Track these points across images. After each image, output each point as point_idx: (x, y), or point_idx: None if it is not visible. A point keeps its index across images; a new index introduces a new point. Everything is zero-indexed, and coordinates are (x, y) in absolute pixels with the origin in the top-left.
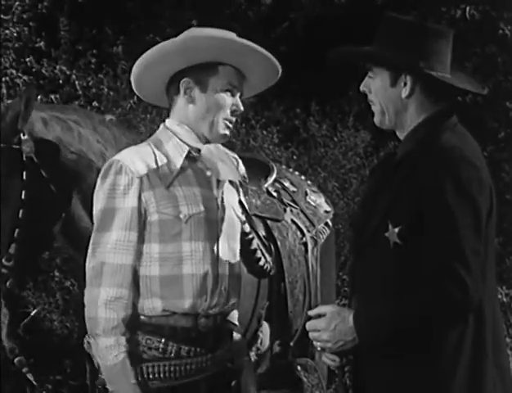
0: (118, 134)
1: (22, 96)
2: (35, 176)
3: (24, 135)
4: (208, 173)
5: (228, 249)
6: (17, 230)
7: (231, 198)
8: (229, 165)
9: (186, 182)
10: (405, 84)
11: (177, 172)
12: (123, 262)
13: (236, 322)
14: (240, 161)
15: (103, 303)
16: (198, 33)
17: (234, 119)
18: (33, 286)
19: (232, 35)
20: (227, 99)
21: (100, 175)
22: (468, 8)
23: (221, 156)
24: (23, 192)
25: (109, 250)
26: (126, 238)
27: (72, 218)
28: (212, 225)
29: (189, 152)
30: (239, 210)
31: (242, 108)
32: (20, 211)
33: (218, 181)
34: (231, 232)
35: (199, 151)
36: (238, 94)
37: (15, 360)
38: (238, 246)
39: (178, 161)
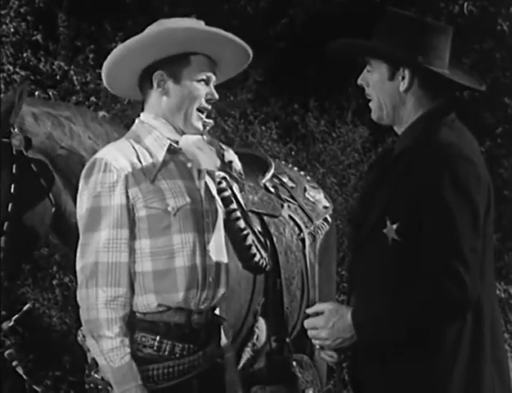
0: (110, 131)
1: (16, 89)
2: (25, 170)
3: (14, 129)
4: (189, 164)
5: (214, 240)
6: (6, 223)
7: (212, 188)
8: (207, 153)
9: (169, 175)
10: (403, 78)
11: (160, 165)
12: (117, 260)
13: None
14: (237, 157)
15: (103, 304)
16: (167, 25)
17: (209, 107)
18: (32, 282)
19: (201, 24)
20: (201, 89)
21: (82, 174)
22: (466, 4)
23: (198, 144)
24: (12, 186)
25: (101, 249)
26: (118, 236)
27: (63, 214)
28: (198, 216)
29: (170, 145)
30: (219, 200)
31: (217, 96)
32: (10, 205)
33: (199, 172)
34: (217, 222)
35: (177, 143)
36: (212, 82)
37: (6, 353)
38: (222, 236)
39: (160, 155)
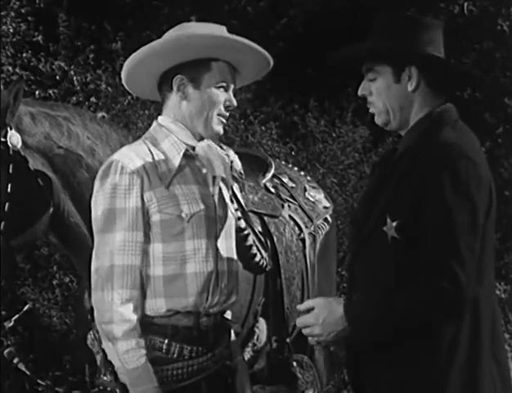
0: (109, 131)
1: (11, 89)
2: (22, 170)
3: (11, 129)
4: (204, 170)
5: (226, 247)
6: (3, 223)
7: (226, 195)
8: (222, 162)
9: (184, 181)
10: (409, 78)
11: (176, 171)
12: (132, 263)
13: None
14: (237, 157)
15: (118, 306)
16: (190, 31)
17: (228, 114)
18: (32, 282)
19: (223, 31)
20: (221, 95)
21: (98, 176)
22: (466, 4)
23: (214, 153)
24: (9, 186)
25: (117, 251)
26: (133, 239)
27: (61, 214)
28: (211, 223)
29: (186, 150)
30: (232, 208)
31: (235, 103)
32: (7, 204)
33: (214, 178)
34: (228, 229)
35: (193, 148)
36: (231, 89)
37: (5, 352)
38: (234, 243)
39: (176, 160)
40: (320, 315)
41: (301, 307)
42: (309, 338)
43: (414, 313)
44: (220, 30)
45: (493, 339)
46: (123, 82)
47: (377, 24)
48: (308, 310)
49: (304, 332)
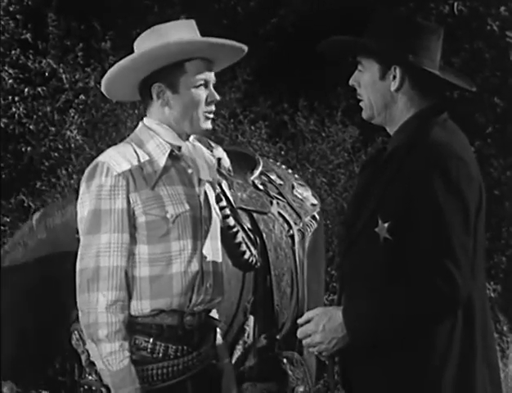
0: None
1: None
2: None
3: None
4: (190, 170)
5: (211, 247)
6: None
7: (210, 196)
8: (208, 164)
9: (169, 182)
10: (394, 77)
11: (161, 172)
12: (118, 264)
13: (217, 317)
14: (225, 154)
15: (103, 308)
16: (160, 40)
17: (213, 108)
18: None
19: (194, 29)
20: (201, 93)
21: (84, 177)
22: (456, 4)
23: (200, 155)
24: None
25: (103, 253)
26: (119, 240)
27: None
28: (196, 223)
29: (171, 151)
30: (217, 208)
31: (218, 97)
32: None
33: (199, 179)
34: (214, 230)
35: (179, 148)
36: (211, 82)
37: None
38: (219, 244)
39: (161, 161)
40: (320, 322)
41: (300, 320)
42: (310, 349)
43: (411, 315)
44: (190, 30)
45: (484, 339)
46: (106, 94)
47: (375, 20)
48: (308, 321)
49: (305, 342)
